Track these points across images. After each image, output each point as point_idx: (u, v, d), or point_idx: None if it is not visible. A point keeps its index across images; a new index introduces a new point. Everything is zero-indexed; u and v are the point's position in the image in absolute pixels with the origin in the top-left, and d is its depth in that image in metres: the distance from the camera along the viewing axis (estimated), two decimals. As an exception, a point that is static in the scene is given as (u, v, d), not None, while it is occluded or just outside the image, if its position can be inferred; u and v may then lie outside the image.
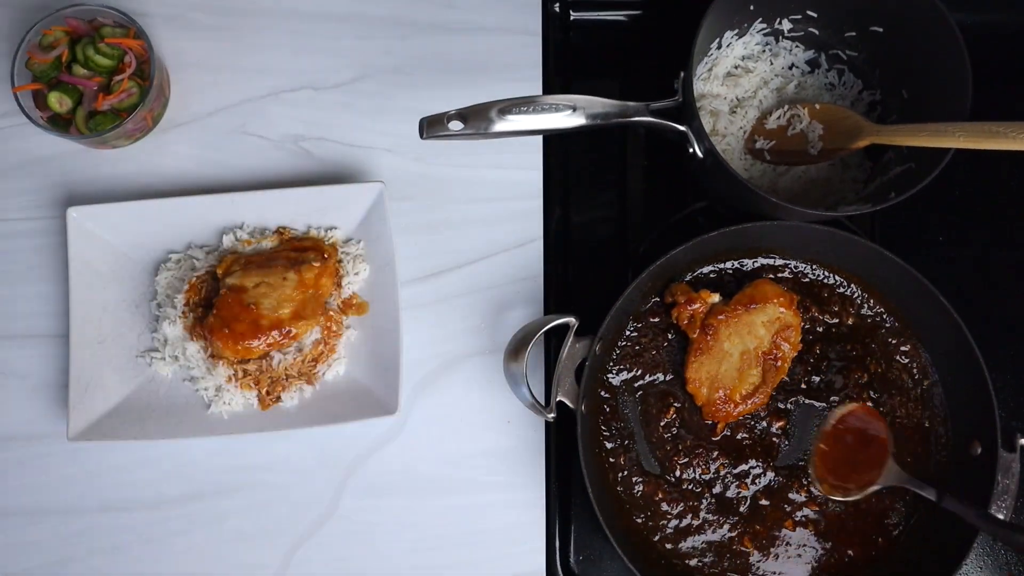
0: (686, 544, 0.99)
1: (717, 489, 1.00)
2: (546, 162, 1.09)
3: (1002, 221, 1.13)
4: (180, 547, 1.02)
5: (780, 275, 1.04)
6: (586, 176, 1.12)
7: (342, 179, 1.08)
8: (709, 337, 0.98)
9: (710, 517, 0.99)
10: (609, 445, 1.00)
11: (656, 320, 1.03)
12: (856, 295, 1.04)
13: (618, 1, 1.14)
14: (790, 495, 1.00)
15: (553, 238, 1.09)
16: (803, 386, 1.02)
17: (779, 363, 0.99)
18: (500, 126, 0.91)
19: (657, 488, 1.00)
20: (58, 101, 1.01)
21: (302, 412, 1.01)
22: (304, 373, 1.01)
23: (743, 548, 0.99)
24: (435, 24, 1.11)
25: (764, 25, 1.06)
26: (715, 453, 1.01)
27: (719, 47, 1.06)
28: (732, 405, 0.99)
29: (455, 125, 0.90)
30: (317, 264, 1.01)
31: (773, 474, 1.01)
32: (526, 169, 1.09)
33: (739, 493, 1.00)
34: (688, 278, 1.04)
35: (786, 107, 1.05)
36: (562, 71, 1.12)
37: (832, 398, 1.02)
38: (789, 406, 1.02)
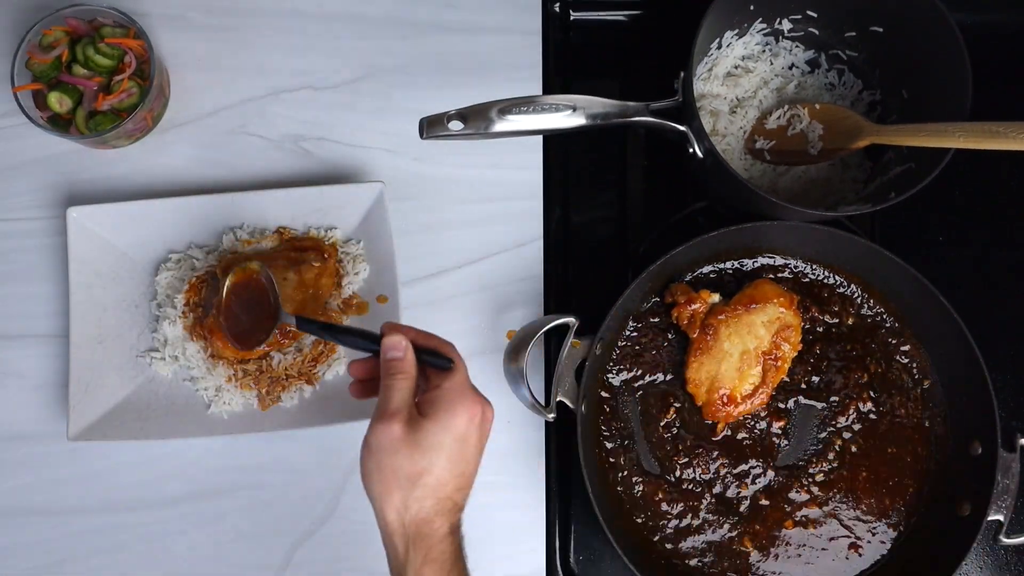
0: (686, 544, 0.99)
1: (717, 489, 1.00)
2: (546, 162, 1.09)
3: (1002, 221, 1.12)
4: (180, 547, 1.02)
5: (780, 275, 1.04)
6: (586, 176, 1.12)
7: (342, 179, 1.08)
8: (709, 337, 0.98)
9: (710, 517, 0.99)
10: (609, 445, 1.00)
11: (656, 320, 1.03)
12: (856, 295, 1.04)
13: (618, 1, 1.14)
14: (790, 495, 1.00)
15: (553, 238, 1.09)
16: (803, 386, 1.02)
17: (779, 363, 0.99)
18: (500, 126, 0.91)
19: (657, 488, 1.00)
20: (58, 101, 1.01)
21: (302, 412, 1.01)
22: (304, 373, 1.01)
23: (743, 548, 0.99)
24: (435, 24, 1.11)
25: (764, 25, 1.06)
26: (715, 453, 1.01)
27: (719, 47, 1.06)
28: (732, 405, 0.99)
29: (455, 125, 0.90)
30: (317, 264, 1.01)
31: (773, 474, 1.01)
32: (526, 169, 1.09)
33: (739, 493, 1.00)
34: (688, 278, 1.04)
35: (786, 107, 1.05)
36: (562, 71, 1.12)
37: (832, 398, 1.02)
38: (789, 406, 1.02)
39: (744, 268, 1.04)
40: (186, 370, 1.02)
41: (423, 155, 1.08)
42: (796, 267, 1.04)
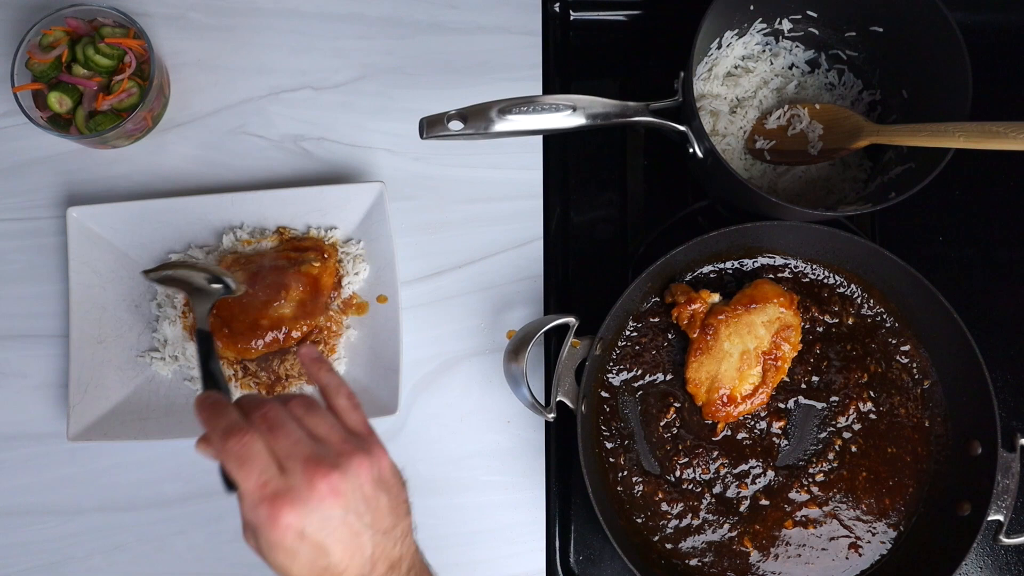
0: (686, 544, 0.99)
1: (717, 489, 1.00)
2: (546, 162, 1.09)
3: (1002, 221, 1.12)
4: (180, 547, 1.02)
5: (780, 275, 1.04)
6: (586, 176, 1.12)
7: (342, 179, 1.08)
8: (709, 337, 0.98)
9: (710, 517, 0.99)
10: (609, 445, 1.00)
11: (656, 320, 1.03)
12: (856, 295, 1.04)
13: (618, 1, 1.14)
14: (790, 495, 1.00)
15: (553, 238, 1.09)
16: (803, 386, 1.02)
17: (779, 363, 0.99)
18: (500, 126, 0.91)
19: (657, 488, 1.00)
20: (58, 101, 1.01)
21: (302, 412, 1.01)
22: (304, 373, 1.01)
23: (743, 548, 0.99)
24: (435, 24, 1.11)
25: (764, 25, 1.06)
26: (715, 453, 1.01)
27: (719, 47, 1.06)
28: (732, 405, 0.99)
29: (455, 125, 0.90)
30: (317, 264, 1.01)
31: (773, 474, 1.01)
32: (526, 169, 1.09)
33: (739, 493, 1.00)
34: (688, 278, 1.04)
35: (786, 107, 1.05)
36: (562, 71, 1.12)
37: (832, 398, 1.02)
38: (789, 406, 1.02)
39: (744, 268, 1.04)
40: (186, 370, 1.02)
41: (423, 155, 1.08)
42: (796, 267, 1.04)
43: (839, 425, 1.02)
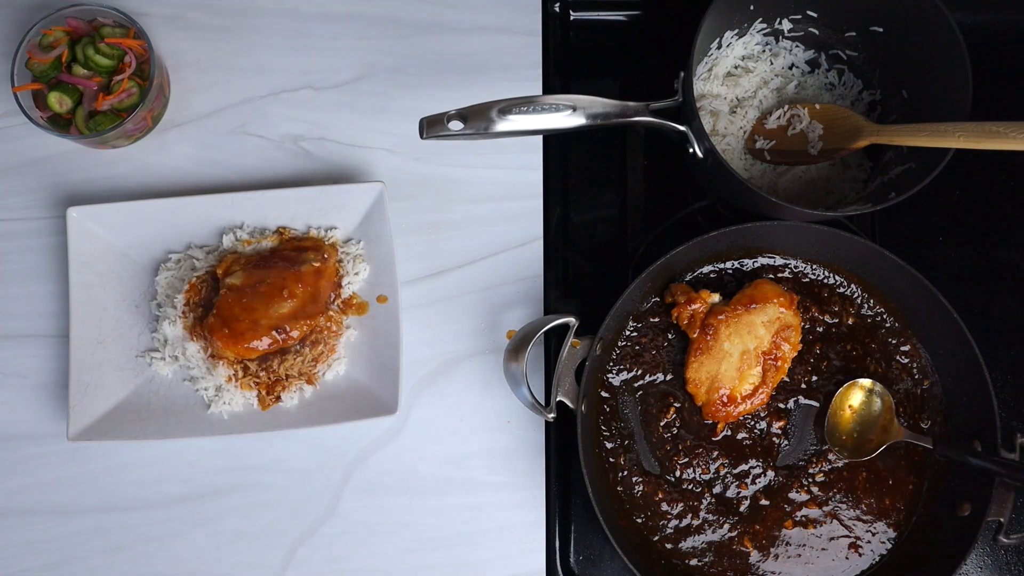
0: (686, 544, 0.99)
1: (717, 489, 1.00)
2: (546, 162, 1.09)
3: (1002, 221, 1.13)
4: (180, 547, 1.02)
5: (780, 275, 1.04)
6: (586, 176, 1.12)
7: (342, 179, 1.08)
8: (709, 337, 0.98)
9: (710, 517, 0.99)
10: (609, 445, 1.00)
11: (656, 320, 1.03)
12: (856, 295, 1.04)
13: (618, 1, 1.14)
14: (790, 495, 1.00)
15: (553, 238, 1.09)
16: (803, 386, 1.02)
17: (779, 363, 0.99)
18: (500, 126, 0.91)
19: (657, 488, 1.00)
20: (58, 101, 1.01)
21: (302, 412, 1.01)
22: (304, 373, 1.01)
23: (743, 548, 0.99)
24: (435, 24, 1.11)
25: (764, 25, 1.06)
26: (715, 453, 1.01)
27: (719, 47, 1.06)
28: (732, 405, 0.99)
29: (455, 125, 0.90)
30: (317, 264, 1.01)
31: (773, 474, 1.01)
32: (526, 169, 1.09)
33: (739, 493, 1.00)
34: (688, 278, 1.04)
35: (786, 107, 1.05)
36: (562, 71, 1.12)
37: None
38: (789, 406, 1.02)
39: (744, 268, 1.04)
40: (186, 370, 1.02)
41: (423, 155, 1.08)
42: (796, 267, 1.04)
43: (839, 425, 1.02)
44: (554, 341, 1.05)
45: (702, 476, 1.00)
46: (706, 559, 0.99)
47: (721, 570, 0.99)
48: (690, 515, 0.99)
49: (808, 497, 1.00)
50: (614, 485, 1.00)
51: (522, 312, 1.07)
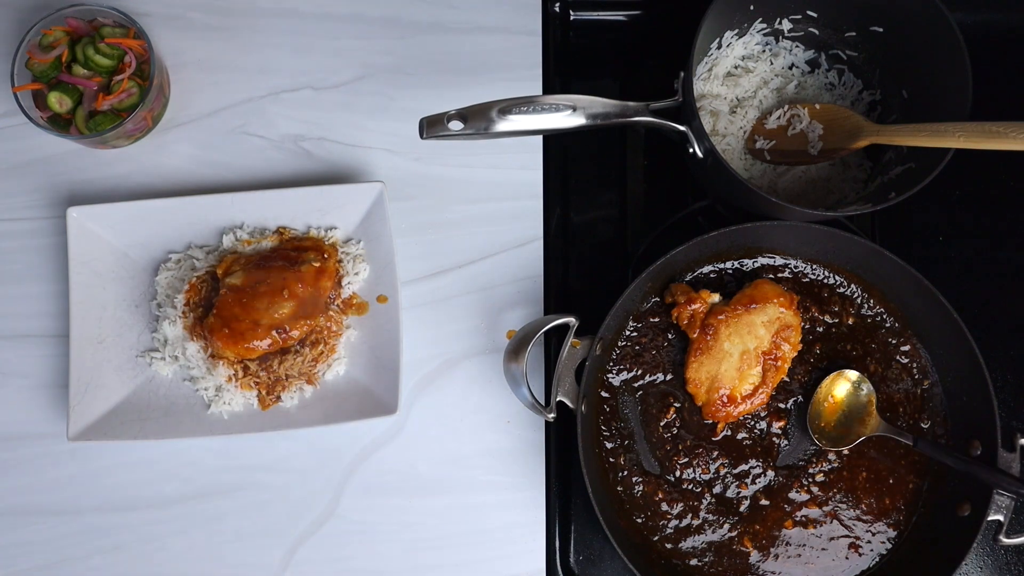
0: (686, 544, 0.99)
1: (717, 489, 1.00)
2: (546, 162, 1.09)
3: (1002, 221, 1.13)
4: (180, 547, 1.02)
5: (780, 275, 1.04)
6: (586, 176, 1.12)
7: (342, 179, 1.08)
8: (709, 337, 0.98)
9: (710, 517, 0.99)
10: (609, 445, 1.00)
11: (656, 320, 1.03)
12: (856, 295, 1.04)
13: (618, 1, 1.14)
14: (790, 495, 1.00)
15: (553, 238, 1.09)
16: (803, 386, 1.02)
17: (779, 363, 0.99)
18: (500, 126, 0.91)
19: (657, 488, 1.00)
20: (58, 101, 1.01)
21: (302, 412, 1.01)
22: (304, 373, 1.01)
23: (743, 548, 0.99)
24: (435, 24, 1.11)
25: (764, 25, 1.06)
26: (715, 453, 1.01)
27: (719, 47, 1.06)
28: (732, 405, 0.99)
29: (455, 125, 0.90)
30: (317, 264, 1.01)
31: (773, 474, 1.01)
32: (526, 169, 1.09)
33: (739, 493, 1.00)
34: (688, 278, 1.04)
35: (786, 107, 1.05)
36: (562, 71, 1.12)
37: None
38: (789, 406, 1.02)
39: (744, 268, 1.04)
40: (186, 370, 1.02)
41: (423, 155, 1.08)
42: (796, 267, 1.04)
43: (839, 425, 1.02)
44: (554, 341, 1.05)
45: (702, 476, 1.00)
46: (706, 559, 0.99)
47: (721, 570, 0.99)
48: (690, 515, 0.99)
49: (808, 497, 1.00)
50: (614, 485, 1.00)
51: (522, 312, 1.07)
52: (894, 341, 1.03)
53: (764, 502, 1.00)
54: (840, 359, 1.03)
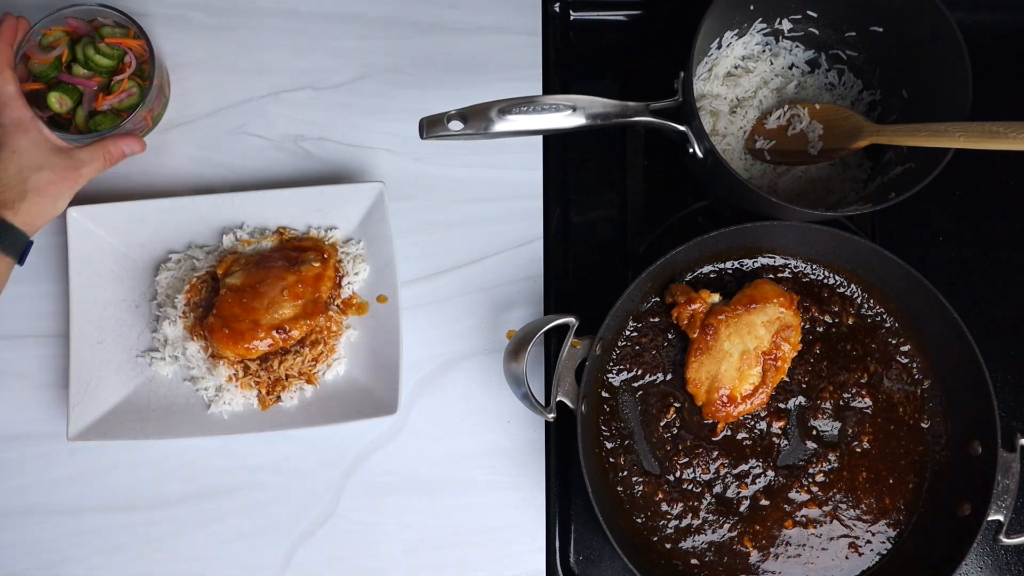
0: (686, 544, 0.99)
1: (717, 489, 1.00)
2: (546, 162, 1.09)
3: (1002, 221, 1.13)
4: (180, 547, 1.02)
5: (780, 275, 1.04)
6: (586, 176, 1.12)
7: (342, 179, 1.08)
8: (709, 337, 0.98)
9: (710, 517, 0.99)
10: (609, 445, 1.00)
11: (656, 320, 1.03)
12: (856, 295, 1.04)
13: (618, 1, 1.14)
14: (790, 495, 1.00)
15: (553, 238, 1.09)
16: (803, 386, 1.02)
17: (779, 363, 0.99)
18: (500, 126, 0.91)
19: (657, 488, 1.00)
20: (58, 101, 1.01)
21: (302, 412, 1.01)
22: (304, 373, 1.01)
23: (743, 548, 0.99)
24: (435, 24, 1.11)
25: (764, 25, 1.06)
26: (715, 453, 1.01)
27: (719, 47, 1.06)
28: (732, 405, 0.99)
29: (455, 125, 0.90)
30: (317, 264, 1.01)
31: (773, 474, 1.01)
32: (526, 169, 1.09)
33: (739, 493, 1.00)
34: (688, 278, 1.04)
35: (786, 107, 1.05)
36: (562, 71, 1.13)
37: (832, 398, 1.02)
38: (789, 406, 1.02)
39: (744, 268, 1.04)
40: (186, 370, 1.02)
41: (423, 155, 1.08)
42: (796, 267, 1.04)
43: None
44: (554, 341, 1.05)
45: (702, 476, 1.00)
46: (706, 559, 0.99)
47: (721, 570, 0.99)
48: (690, 515, 0.99)
49: (808, 497, 1.00)
50: (614, 485, 1.00)
51: (522, 312, 1.07)
52: (894, 341, 1.03)
53: (764, 502, 1.00)
54: (840, 359, 1.03)
